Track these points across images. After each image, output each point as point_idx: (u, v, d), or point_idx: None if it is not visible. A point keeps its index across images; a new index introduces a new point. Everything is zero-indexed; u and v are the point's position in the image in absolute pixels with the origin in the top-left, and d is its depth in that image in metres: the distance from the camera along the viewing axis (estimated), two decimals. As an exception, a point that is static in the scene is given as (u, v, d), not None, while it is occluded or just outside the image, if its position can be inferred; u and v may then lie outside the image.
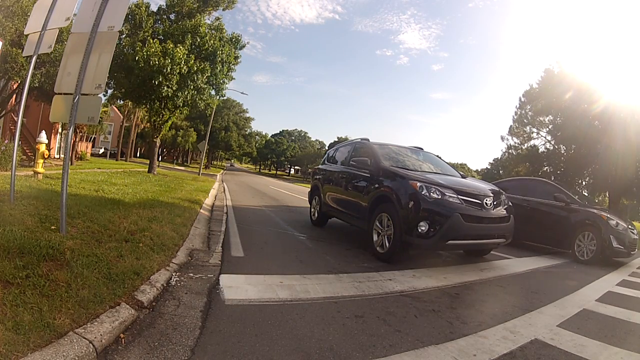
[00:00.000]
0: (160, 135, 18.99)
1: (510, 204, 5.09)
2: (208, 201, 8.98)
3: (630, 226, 6.72)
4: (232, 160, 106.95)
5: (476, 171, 59.52)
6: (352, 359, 2.10)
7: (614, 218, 6.52)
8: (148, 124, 24.25)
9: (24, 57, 11.35)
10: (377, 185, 4.98)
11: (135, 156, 51.61)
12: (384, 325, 2.62)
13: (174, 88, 15.64)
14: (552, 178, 18.39)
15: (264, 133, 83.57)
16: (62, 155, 25.26)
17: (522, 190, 7.90)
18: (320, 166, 7.62)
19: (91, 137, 38.77)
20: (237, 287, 3.09)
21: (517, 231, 7.13)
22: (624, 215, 8.86)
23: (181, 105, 17.24)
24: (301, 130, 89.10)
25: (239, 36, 17.79)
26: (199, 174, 24.59)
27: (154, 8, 16.75)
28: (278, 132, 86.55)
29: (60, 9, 4.18)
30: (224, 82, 17.87)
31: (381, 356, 2.16)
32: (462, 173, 5.90)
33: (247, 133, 69.21)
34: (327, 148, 69.28)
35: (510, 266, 5.38)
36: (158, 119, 17.78)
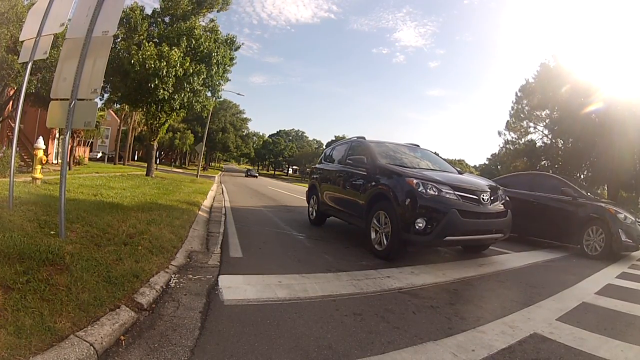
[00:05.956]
0: (158, 138, 19.02)
1: (507, 198, 5.10)
2: (206, 203, 9.00)
3: (638, 219, 6.62)
4: (231, 162, 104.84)
5: (474, 167, 59.50)
6: (350, 356, 2.11)
7: (622, 211, 6.42)
8: (145, 127, 24.26)
9: (19, 63, 11.34)
10: (374, 183, 5.00)
11: (133, 159, 51.51)
12: (382, 322, 2.63)
13: (170, 91, 15.66)
14: (550, 172, 18.42)
15: (261, 133, 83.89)
16: (60, 161, 25.21)
17: (528, 185, 7.78)
18: (317, 165, 7.63)
19: (89, 142, 38.70)
20: (236, 288, 3.11)
21: (524, 227, 7.13)
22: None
23: (178, 107, 17.26)
24: (298, 130, 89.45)
25: (234, 37, 17.86)
26: (196, 176, 24.59)
27: (148, 11, 16.73)
28: (275, 132, 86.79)
29: (55, 14, 4.17)
30: (219, 83, 17.93)
31: (380, 353, 2.17)
32: (459, 169, 5.92)
33: (244, 134, 69.36)
34: (324, 147, 69.32)
35: (508, 261, 5.39)
36: (155, 122, 17.80)
